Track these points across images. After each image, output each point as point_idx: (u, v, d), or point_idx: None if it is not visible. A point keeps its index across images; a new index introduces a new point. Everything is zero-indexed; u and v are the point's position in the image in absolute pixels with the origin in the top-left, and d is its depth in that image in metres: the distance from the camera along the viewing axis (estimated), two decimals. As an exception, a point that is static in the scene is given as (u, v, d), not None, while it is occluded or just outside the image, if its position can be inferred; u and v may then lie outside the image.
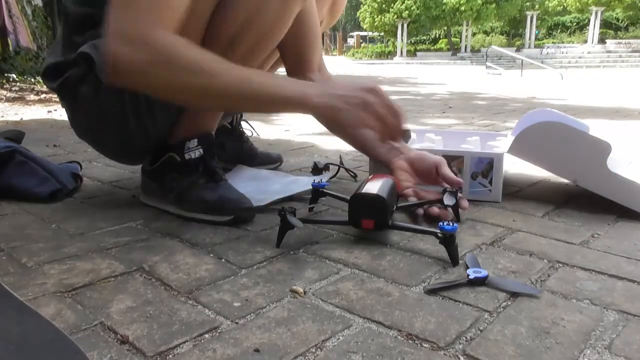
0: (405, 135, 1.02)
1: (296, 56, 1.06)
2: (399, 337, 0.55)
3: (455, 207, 0.91)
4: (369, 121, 0.82)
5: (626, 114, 2.90)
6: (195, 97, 0.81)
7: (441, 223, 0.74)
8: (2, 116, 2.79)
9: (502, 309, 0.61)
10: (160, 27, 0.77)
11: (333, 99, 0.82)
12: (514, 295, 0.64)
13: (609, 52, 23.60)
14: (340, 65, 16.73)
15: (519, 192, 1.14)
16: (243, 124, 1.38)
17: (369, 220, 0.80)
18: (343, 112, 0.81)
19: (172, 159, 0.97)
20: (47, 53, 1.08)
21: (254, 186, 1.12)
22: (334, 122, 0.88)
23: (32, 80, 5.38)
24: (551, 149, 1.02)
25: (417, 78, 8.61)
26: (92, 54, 0.90)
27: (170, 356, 0.51)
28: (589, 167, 0.98)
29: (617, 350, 0.52)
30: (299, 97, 0.81)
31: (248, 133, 1.40)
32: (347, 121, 0.82)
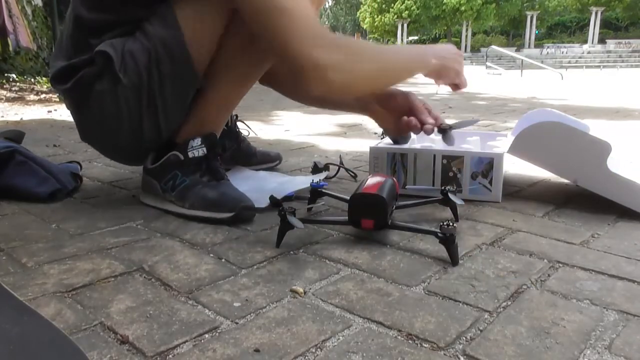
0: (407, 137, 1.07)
1: None
2: (399, 337, 0.55)
3: (454, 207, 0.91)
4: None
5: (626, 114, 2.90)
6: (375, 81, 0.95)
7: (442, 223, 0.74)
8: (2, 116, 2.79)
9: (502, 309, 0.61)
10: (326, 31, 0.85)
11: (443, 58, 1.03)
12: (514, 295, 0.64)
13: (609, 52, 23.63)
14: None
15: (519, 192, 1.14)
16: (239, 124, 1.39)
17: (369, 220, 0.80)
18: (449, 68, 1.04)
19: (176, 157, 0.98)
20: (51, 57, 1.08)
21: (250, 185, 1.12)
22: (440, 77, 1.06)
23: (32, 80, 5.39)
24: (551, 149, 1.02)
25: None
26: (110, 52, 0.91)
27: (170, 356, 0.51)
28: (589, 167, 0.98)
29: (617, 350, 0.52)
30: (421, 61, 1.00)
31: (245, 133, 1.40)
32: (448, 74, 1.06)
